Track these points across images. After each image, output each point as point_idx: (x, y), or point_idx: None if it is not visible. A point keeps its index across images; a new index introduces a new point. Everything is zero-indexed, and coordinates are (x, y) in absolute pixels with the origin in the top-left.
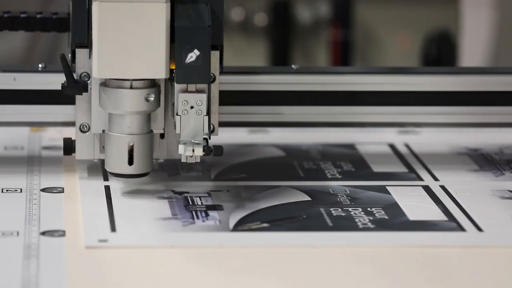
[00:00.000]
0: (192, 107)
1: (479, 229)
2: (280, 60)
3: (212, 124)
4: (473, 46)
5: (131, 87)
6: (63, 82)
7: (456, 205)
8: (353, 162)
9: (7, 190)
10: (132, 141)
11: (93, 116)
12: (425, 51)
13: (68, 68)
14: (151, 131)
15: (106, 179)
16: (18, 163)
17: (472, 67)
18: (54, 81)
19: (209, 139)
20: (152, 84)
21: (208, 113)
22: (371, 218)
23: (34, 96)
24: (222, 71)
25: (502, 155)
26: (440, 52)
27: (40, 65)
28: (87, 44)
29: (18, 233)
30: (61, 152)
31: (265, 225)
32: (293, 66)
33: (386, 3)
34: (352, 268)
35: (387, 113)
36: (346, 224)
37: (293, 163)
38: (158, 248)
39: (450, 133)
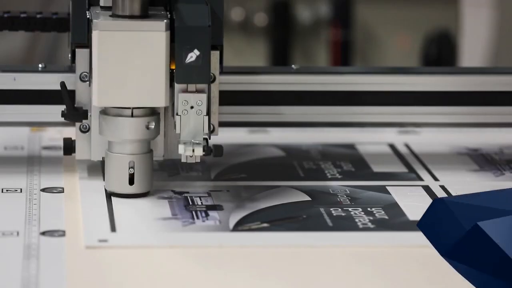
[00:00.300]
0: (192, 107)
1: None
2: (280, 60)
3: (212, 124)
4: (473, 46)
5: (131, 115)
6: (63, 110)
7: None
8: (353, 162)
9: (7, 190)
10: (133, 161)
11: (93, 144)
12: (425, 51)
13: (67, 96)
14: (151, 151)
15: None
16: (18, 163)
17: (472, 67)
18: (54, 81)
19: (209, 139)
20: (152, 112)
21: (208, 113)
22: (371, 218)
23: (34, 96)
24: (222, 71)
25: (502, 155)
26: (440, 52)
27: (40, 65)
28: (87, 44)
29: (18, 233)
30: (61, 152)
31: (265, 225)
32: (293, 66)
33: (386, 3)
34: (352, 268)
35: (387, 113)
36: (346, 224)
37: (293, 163)
38: (158, 248)
39: (450, 133)
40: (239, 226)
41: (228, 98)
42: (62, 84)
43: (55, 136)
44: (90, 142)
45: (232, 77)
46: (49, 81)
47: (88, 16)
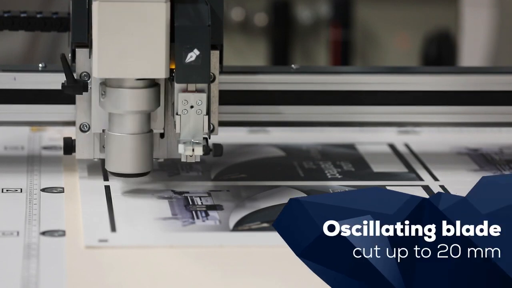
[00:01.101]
0: (192, 107)
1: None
2: (280, 60)
3: (212, 124)
4: (473, 46)
5: (131, 87)
6: (63, 81)
7: None
8: (353, 162)
9: (7, 190)
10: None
11: (93, 116)
12: (425, 51)
13: (68, 68)
14: (151, 131)
15: (106, 179)
16: (18, 163)
17: (472, 66)
18: (54, 80)
19: (209, 138)
20: (152, 83)
21: (208, 113)
22: None
23: (34, 96)
24: (222, 71)
25: (502, 155)
26: (440, 52)
27: (40, 65)
28: (87, 43)
29: (18, 233)
30: (61, 152)
31: (265, 225)
32: (293, 66)
33: (386, 3)
34: None
35: (387, 113)
36: None
37: (293, 163)
38: (158, 248)
39: (450, 133)
40: (239, 226)
41: (228, 97)
42: (62, 57)
43: (55, 136)
44: (90, 141)
45: (232, 77)
46: (49, 81)
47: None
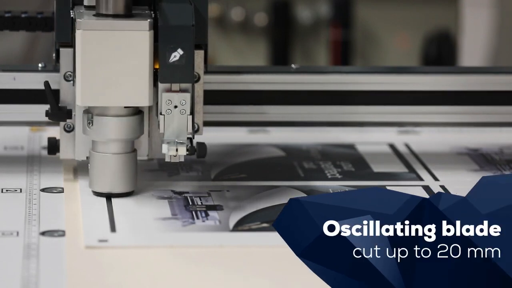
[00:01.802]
0: (176, 107)
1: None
2: (280, 60)
3: (197, 124)
4: (473, 46)
5: (114, 115)
6: (47, 109)
7: None
8: (353, 162)
9: (7, 190)
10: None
11: (77, 143)
12: (425, 51)
13: (51, 95)
14: (135, 150)
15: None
16: (18, 163)
17: (472, 66)
18: (54, 80)
19: (193, 138)
20: (136, 111)
21: (192, 113)
22: None
23: (34, 96)
24: (207, 71)
25: (502, 155)
26: (440, 52)
27: (40, 65)
28: (71, 43)
29: (18, 233)
30: None
31: (265, 225)
32: (292, 65)
33: (386, 3)
34: None
35: (387, 112)
36: None
37: (293, 163)
38: (158, 248)
39: (450, 133)
40: (239, 226)
41: (228, 97)
42: (46, 84)
43: (55, 135)
44: (74, 141)
45: (232, 77)
46: (49, 81)
47: (72, 16)
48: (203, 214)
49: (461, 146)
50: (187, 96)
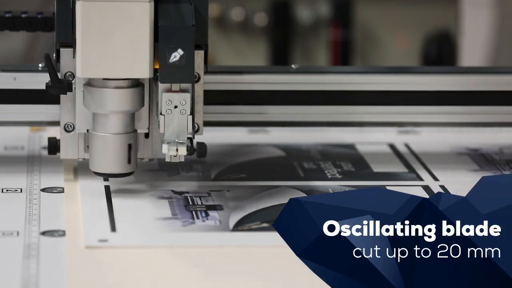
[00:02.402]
0: (176, 107)
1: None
2: (280, 60)
3: (197, 124)
4: (473, 46)
5: (115, 87)
6: (47, 81)
7: None
8: (353, 162)
9: (7, 190)
10: (131, 140)
11: (77, 116)
12: (425, 51)
13: (52, 68)
14: (135, 131)
15: (106, 179)
16: (18, 163)
17: (472, 66)
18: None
19: (194, 138)
20: (136, 83)
21: (192, 113)
22: None
23: (34, 96)
24: (207, 71)
25: (502, 155)
26: (440, 52)
27: (40, 65)
28: (72, 43)
29: (18, 233)
30: None
31: (265, 225)
32: (292, 66)
33: (386, 3)
34: None
35: (386, 112)
36: None
37: (293, 163)
38: (158, 248)
39: (450, 133)
40: (239, 226)
41: (228, 97)
42: (46, 56)
43: (55, 136)
44: (75, 141)
45: (232, 77)
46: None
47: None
48: (203, 214)
49: (461, 146)
50: (187, 96)
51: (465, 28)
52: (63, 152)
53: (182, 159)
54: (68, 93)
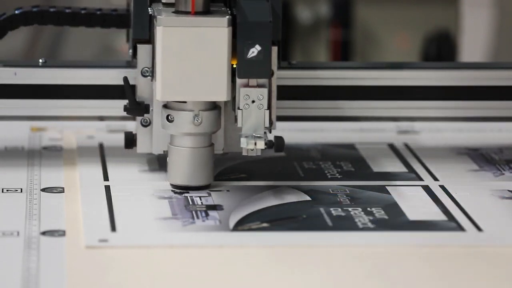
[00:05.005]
0: (253, 101)
1: (479, 229)
2: (280, 59)
3: (271, 119)
4: (473, 46)
5: (192, 110)
6: (126, 104)
7: (456, 205)
8: (353, 162)
9: (7, 190)
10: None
11: (154, 137)
12: (424, 51)
13: (130, 91)
14: (212, 144)
15: (106, 179)
16: (18, 163)
17: (469, 62)
18: (55, 76)
19: (270, 132)
20: (214, 106)
21: (269, 107)
22: (371, 218)
23: (34, 91)
24: (280, 66)
25: (502, 155)
26: (440, 52)
27: (40, 60)
28: (149, 39)
29: (18, 233)
30: (61, 152)
31: (265, 225)
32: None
33: (386, 3)
34: (352, 268)
35: (386, 107)
36: (346, 224)
37: (293, 163)
38: (158, 248)
39: (450, 133)
40: (239, 226)
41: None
42: (125, 79)
43: (55, 136)
44: (151, 135)
45: None
46: (50, 76)
47: (150, 13)
48: (203, 214)
49: (460, 146)
50: (265, 91)
51: (464, 28)
52: (140, 146)
53: (259, 153)
54: (144, 87)
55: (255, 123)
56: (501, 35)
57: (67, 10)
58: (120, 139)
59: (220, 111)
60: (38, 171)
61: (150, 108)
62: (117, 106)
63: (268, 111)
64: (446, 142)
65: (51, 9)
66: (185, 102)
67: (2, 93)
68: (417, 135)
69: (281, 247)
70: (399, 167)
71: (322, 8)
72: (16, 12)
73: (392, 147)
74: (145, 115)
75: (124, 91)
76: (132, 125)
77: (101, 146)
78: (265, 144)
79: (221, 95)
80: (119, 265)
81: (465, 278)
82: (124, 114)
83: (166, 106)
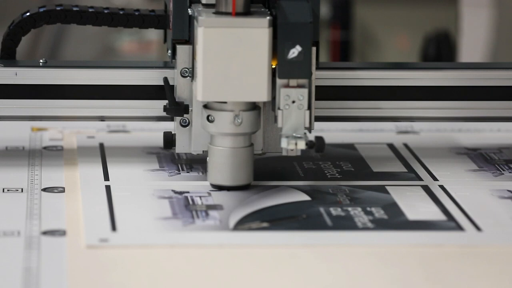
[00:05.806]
0: (293, 102)
1: (478, 228)
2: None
3: (310, 119)
4: (472, 46)
5: (232, 110)
6: (165, 104)
7: (455, 205)
8: (352, 162)
9: (8, 190)
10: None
11: (193, 137)
12: (424, 51)
13: (170, 91)
14: (252, 144)
15: (106, 178)
16: (19, 163)
17: (468, 62)
18: (55, 76)
19: (310, 132)
20: (254, 106)
21: (310, 107)
22: (370, 217)
23: (35, 91)
24: (318, 67)
25: (501, 155)
26: (439, 52)
27: (41, 60)
28: (188, 40)
29: (19, 233)
30: (61, 152)
31: (265, 225)
32: None
33: (385, 3)
34: (351, 267)
35: (385, 107)
36: (345, 223)
37: (293, 163)
38: (158, 247)
39: (449, 133)
40: (239, 225)
41: None
42: (165, 80)
43: (56, 136)
44: (190, 135)
45: None
46: (50, 76)
47: (190, 13)
48: (203, 214)
49: (460, 146)
50: (305, 91)
51: (464, 29)
52: (179, 146)
53: (299, 153)
54: (183, 87)
55: (295, 123)
56: (500, 36)
57: (106, 11)
58: (120, 139)
59: (260, 112)
60: (38, 171)
61: (190, 109)
62: (117, 106)
63: (308, 111)
64: (445, 142)
65: (74, 8)
66: (225, 102)
67: (3, 93)
68: (417, 135)
69: (281, 247)
70: (398, 167)
71: (321, 9)
72: (40, 10)
73: (391, 147)
74: (184, 115)
75: (164, 91)
76: (130, 125)
77: (101, 146)
78: (306, 144)
79: (262, 95)
80: (119, 265)
81: (464, 278)
82: (124, 114)
83: (206, 106)
